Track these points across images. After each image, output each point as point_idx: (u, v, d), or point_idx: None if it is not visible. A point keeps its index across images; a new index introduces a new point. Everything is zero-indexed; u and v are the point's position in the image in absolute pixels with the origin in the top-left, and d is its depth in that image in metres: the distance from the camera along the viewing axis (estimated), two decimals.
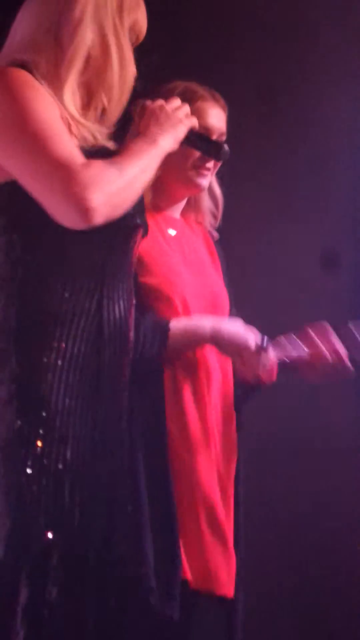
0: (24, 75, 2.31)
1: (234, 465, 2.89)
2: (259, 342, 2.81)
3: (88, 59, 2.39)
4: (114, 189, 2.25)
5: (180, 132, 2.48)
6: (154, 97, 2.56)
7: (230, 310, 3.00)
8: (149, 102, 2.52)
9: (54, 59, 2.36)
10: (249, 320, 2.89)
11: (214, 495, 2.81)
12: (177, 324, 2.79)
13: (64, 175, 2.21)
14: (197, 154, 2.87)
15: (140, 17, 2.46)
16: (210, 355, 2.86)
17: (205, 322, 2.83)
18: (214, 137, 2.92)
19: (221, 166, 2.97)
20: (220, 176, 3.03)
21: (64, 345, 2.31)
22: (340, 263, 4.07)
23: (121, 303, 2.40)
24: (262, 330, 2.87)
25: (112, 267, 2.39)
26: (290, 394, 3.41)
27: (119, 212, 2.28)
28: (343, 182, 4.09)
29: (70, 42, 2.37)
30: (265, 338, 2.83)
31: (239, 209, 3.25)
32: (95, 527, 2.33)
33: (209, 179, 2.97)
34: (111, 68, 2.40)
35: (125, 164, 2.30)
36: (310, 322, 2.90)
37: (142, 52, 2.49)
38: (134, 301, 2.48)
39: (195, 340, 2.81)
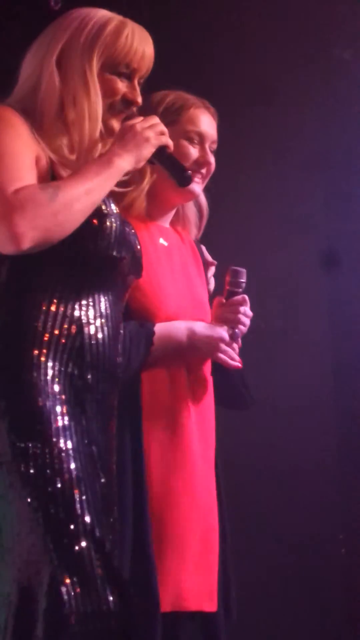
0: (4, 111, 2.39)
1: (212, 471, 2.91)
2: (230, 332, 2.91)
3: (62, 105, 2.45)
4: (43, 212, 2.27)
5: (146, 151, 2.45)
6: (143, 107, 2.57)
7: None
8: (125, 122, 2.50)
9: (32, 106, 2.45)
10: None
11: (194, 507, 2.81)
12: (156, 328, 2.82)
13: None
14: (191, 159, 2.90)
15: (137, 51, 2.49)
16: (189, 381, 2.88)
17: (178, 325, 2.86)
18: (207, 144, 2.95)
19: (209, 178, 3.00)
20: (206, 189, 3.05)
21: (51, 364, 2.34)
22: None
23: (105, 329, 2.44)
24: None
25: (92, 296, 2.42)
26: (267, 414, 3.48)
27: (57, 236, 2.31)
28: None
29: (39, 90, 2.45)
30: (234, 328, 2.92)
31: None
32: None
33: (201, 186, 2.99)
34: (76, 112, 2.45)
35: (65, 186, 2.32)
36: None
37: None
38: (121, 329, 2.51)
39: (171, 344, 2.83)
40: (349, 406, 4.16)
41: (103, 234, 2.41)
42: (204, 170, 2.97)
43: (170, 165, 2.56)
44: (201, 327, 2.89)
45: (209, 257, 3.13)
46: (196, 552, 2.80)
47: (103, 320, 2.43)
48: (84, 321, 2.39)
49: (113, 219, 2.44)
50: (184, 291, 2.95)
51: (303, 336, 4.08)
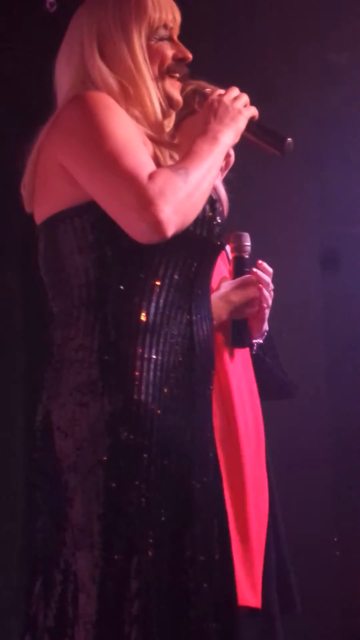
0: (100, 96, 2.33)
1: (264, 460, 2.89)
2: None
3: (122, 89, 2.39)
4: (182, 196, 2.23)
5: (241, 124, 2.39)
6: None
7: None
8: (208, 92, 2.45)
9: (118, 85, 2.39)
10: None
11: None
12: None
13: (131, 191, 2.21)
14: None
15: (168, 12, 2.44)
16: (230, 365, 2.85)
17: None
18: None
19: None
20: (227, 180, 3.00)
21: (160, 358, 2.30)
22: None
23: (207, 320, 2.41)
24: None
25: (199, 285, 2.39)
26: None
27: (191, 218, 2.27)
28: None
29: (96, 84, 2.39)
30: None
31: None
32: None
33: (222, 178, 2.94)
34: (137, 83, 2.40)
35: (191, 168, 2.27)
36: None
37: None
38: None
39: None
40: (343, 409, 4.17)
41: (215, 221, 2.39)
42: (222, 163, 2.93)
43: (264, 134, 2.45)
44: (224, 287, 2.86)
45: (246, 245, 2.99)
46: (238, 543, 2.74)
47: (206, 311, 2.41)
48: (193, 312, 2.36)
49: (220, 205, 2.42)
50: None
51: (296, 337, 4.08)
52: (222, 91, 2.43)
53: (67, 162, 2.31)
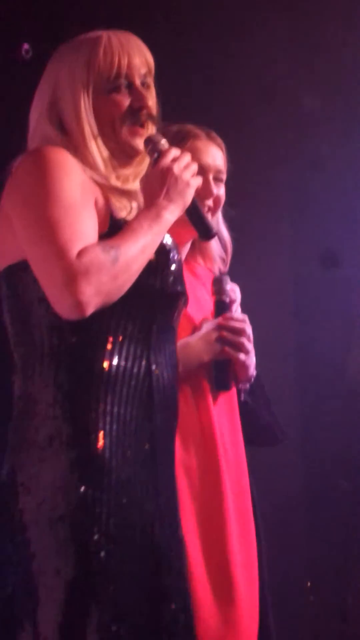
0: (55, 153, 2.32)
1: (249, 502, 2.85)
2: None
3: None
4: (106, 278, 2.21)
5: (188, 198, 2.37)
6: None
7: None
8: (162, 149, 2.39)
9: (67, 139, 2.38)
10: None
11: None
12: None
13: (58, 266, 2.20)
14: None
15: (121, 58, 2.38)
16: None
17: (190, 338, 2.81)
18: (209, 175, 2.88)
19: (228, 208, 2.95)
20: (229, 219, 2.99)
21: (117, 410, 2.29)
22: None
23: (168, 368, 2.38)
24: None
25: (158, 334, 2.36)
26: None
27: (115, 298, 2.25)
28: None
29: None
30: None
31: None
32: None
33: (215, 221, 2.93)
34: (84, 137, 2.39)
35: (123, 247, 2.25)
36: None
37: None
38: (179, 367, 2.47)
39: (187, 355, 2.76)
40: (317, 454, 4.17)
41: (169, 270, 2.38)
42: (209, 202, 2.91)
43: (197, 217, 2.44)
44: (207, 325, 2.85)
45: (227, 289, 2.96)
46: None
47: (167, 359, 2.39)
48: (152, 362, 2.35)
49: (176, 253, 2.41)
50: (194, 326, 2.88)
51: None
52: (176, 152, 2.39)
53: (13, 219, 2.32)
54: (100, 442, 2.27)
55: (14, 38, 3.76)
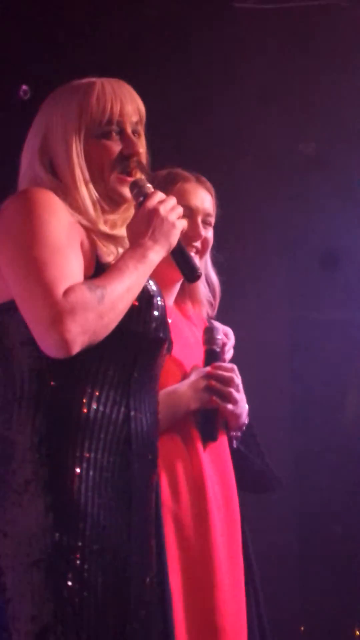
0: (42, 195, 2.33)
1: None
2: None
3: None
4: (92, 317, 2.21)
5: (173, 239, 2.36)
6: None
7: None
8: (148, 191, 2.38)
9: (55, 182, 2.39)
10: None
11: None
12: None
13: (44, 305, 2.20)
14: (185, 231, 2.72)
15: (114, 104, 2.40)
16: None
17: (178, 385, 2.80)
18: (198, 218, 2.88)
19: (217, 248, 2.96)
20: (218, 264, 3.00)
21: (94, 455, 2.28)
22: None
23: (147, 415, 2.37)
24: None
25: (138, 380, 2.34)
26: None
27: (101, 337, 2.25)
28: None
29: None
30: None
31: None
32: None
33: (202, 263, 2.93)
34: (75, 182, 2.39)
35: (109, 287, 2.25)
36: None
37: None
38: (159, 414, 2.45)
39: (174, 402, 2.76)
40: (311, 497, 4.16)
41: (151, 315, 2.37)
42: (197, 244, 2.91)
43: (182, 258, 2.42)
44: (197, 373, 2.84)
45: (218, 338, 2.94)
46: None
47: (147, 405, 2.37)
48: (131, 407, 2.33)
49: (159, 299, 2.41)
50: (185, 370, 2.87)
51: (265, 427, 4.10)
52: (161, 196, 2.38)
53: (1, 259, 2.32)
54: (76, 488, 2.26)
55: (13, 79, 3.79)
